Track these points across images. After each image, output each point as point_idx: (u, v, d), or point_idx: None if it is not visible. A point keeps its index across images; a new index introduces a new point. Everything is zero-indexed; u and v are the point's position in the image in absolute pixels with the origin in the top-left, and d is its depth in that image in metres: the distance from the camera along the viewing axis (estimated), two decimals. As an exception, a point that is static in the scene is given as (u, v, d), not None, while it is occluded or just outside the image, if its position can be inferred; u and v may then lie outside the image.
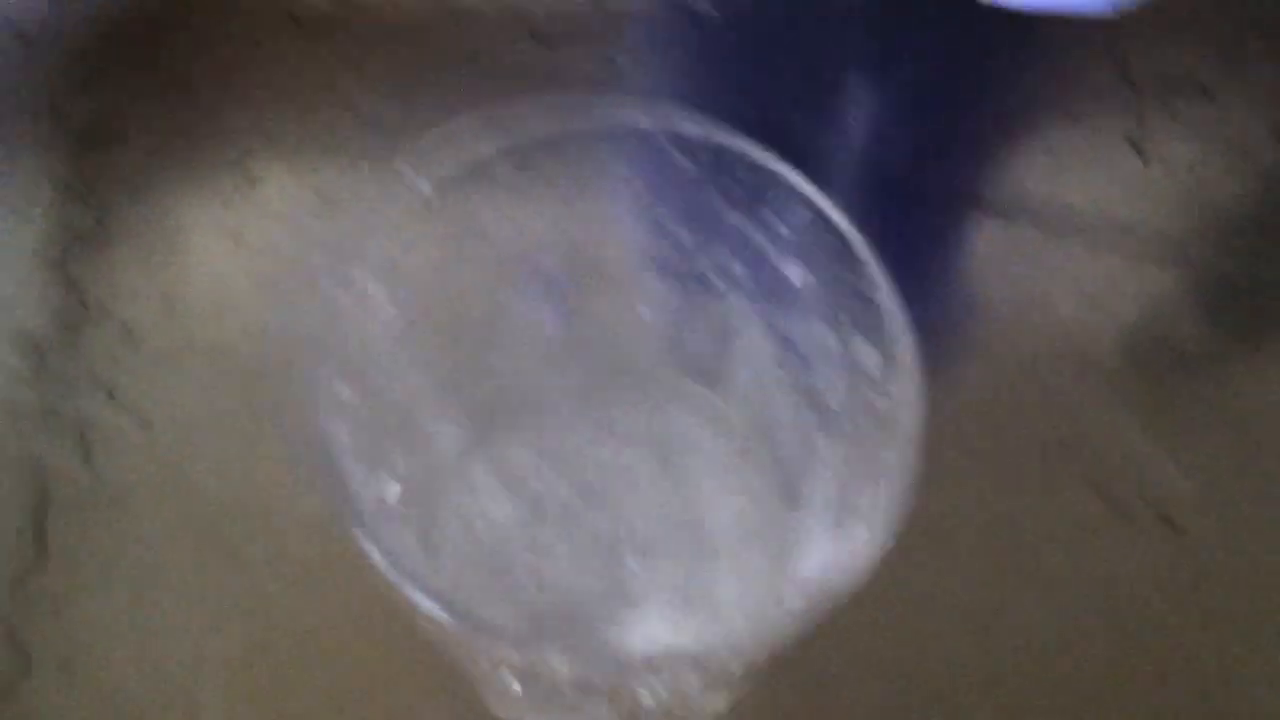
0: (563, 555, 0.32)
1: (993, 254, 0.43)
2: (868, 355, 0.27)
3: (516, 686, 0.28)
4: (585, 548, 0.32)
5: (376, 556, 0.23)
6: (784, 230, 0.28)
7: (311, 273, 0.31)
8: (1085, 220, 0.43)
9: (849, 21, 0.47)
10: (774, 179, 0.27)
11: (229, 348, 0.40)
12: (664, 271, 0.31)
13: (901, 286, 0.43)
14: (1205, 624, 0.36)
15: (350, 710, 0.35)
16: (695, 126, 0.27)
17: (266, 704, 0.35)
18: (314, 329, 0.25)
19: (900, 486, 0.25)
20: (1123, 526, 0.38)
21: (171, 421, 0.39)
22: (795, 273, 0.29)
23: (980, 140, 0.45)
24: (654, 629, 0.31)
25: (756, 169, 0.27)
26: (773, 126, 0.45)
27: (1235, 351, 0.41)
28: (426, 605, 0.23)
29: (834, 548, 0.27)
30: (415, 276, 0.28)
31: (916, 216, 0.43)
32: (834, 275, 0.27)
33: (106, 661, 0.35)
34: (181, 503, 0.37)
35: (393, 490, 0.29)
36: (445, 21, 0.46)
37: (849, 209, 0.43)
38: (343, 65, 0.45)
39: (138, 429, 0.39)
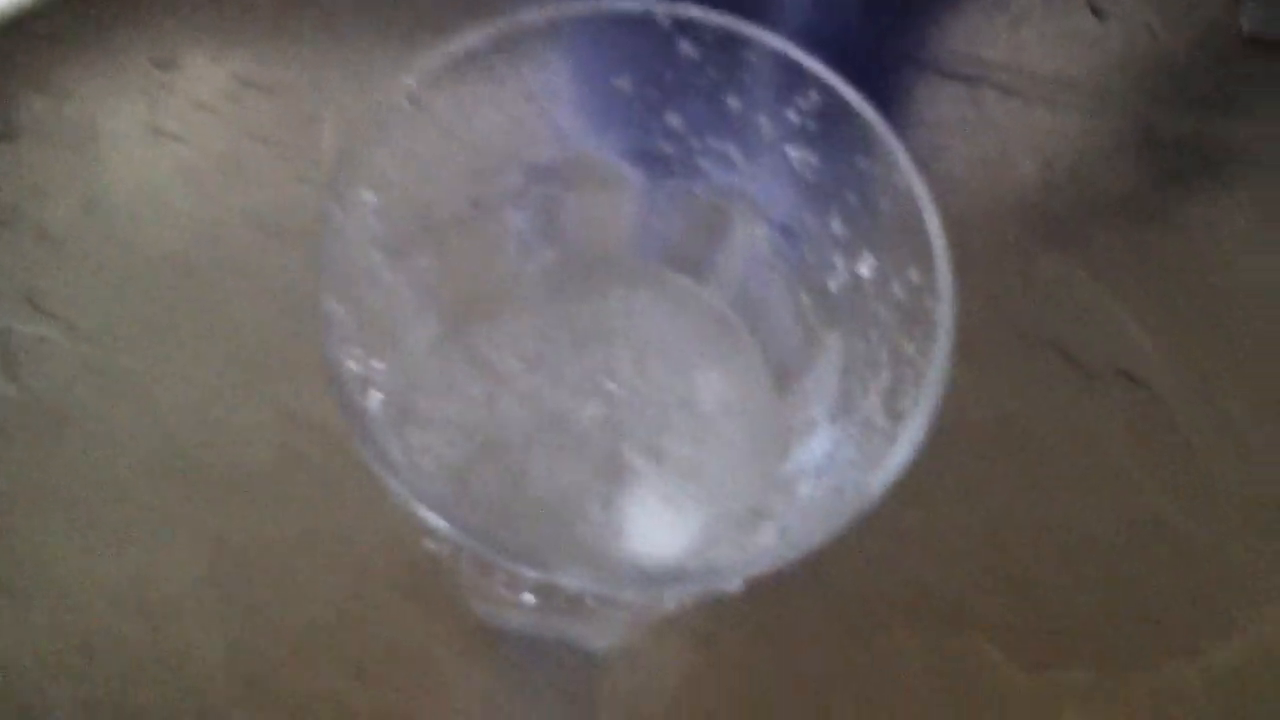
0: (545, 449, 0.31)
1: (950, 117, 0.42)
2: (885, 244, 0.26)
3: (530, 599, 0.27)
4: (568, 441, 0.31)
5: (392, 481, 0.21)
6: (792, 116, 0.26)
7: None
8: (1043, 80, 0.42)
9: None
10: (784, 62, 0.26)
11: (155, 244, 0.37)
12: (655, 162, 0.29)
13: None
14: (1170, 475, 0.37)
15: (319, 618, 0.33)
16: (700, 11, 0.26)
17: (232, 618, 0.33)
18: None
19: (934, 382, 0.24)
20: (1085, 383, 0.38)
21: (101, 328, 0.36)
22: (799, 158, 0.27)
23: (936, 2, 0.44)
24: (644, 525, 0.31)
25: (765, 53, 0.26)
26: None
27: (1192, 206, 0.41)
28: (449, 532, 0.22)
29: (828, 444, 0.27)
30: (399, 177, 0.26)
31: (872, 82, 0.42)
32: (847, 161, 0.26)
33: (51, 582, 0.33)
34: (120, 413, 0.35)
35: (376, 400, 0.28)
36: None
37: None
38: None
39: (65, 337, 0.36)
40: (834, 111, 0.26)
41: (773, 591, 0.36)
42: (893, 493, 0.36)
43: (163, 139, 0.38)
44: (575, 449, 0.31)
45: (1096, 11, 0.44)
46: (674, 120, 0.28)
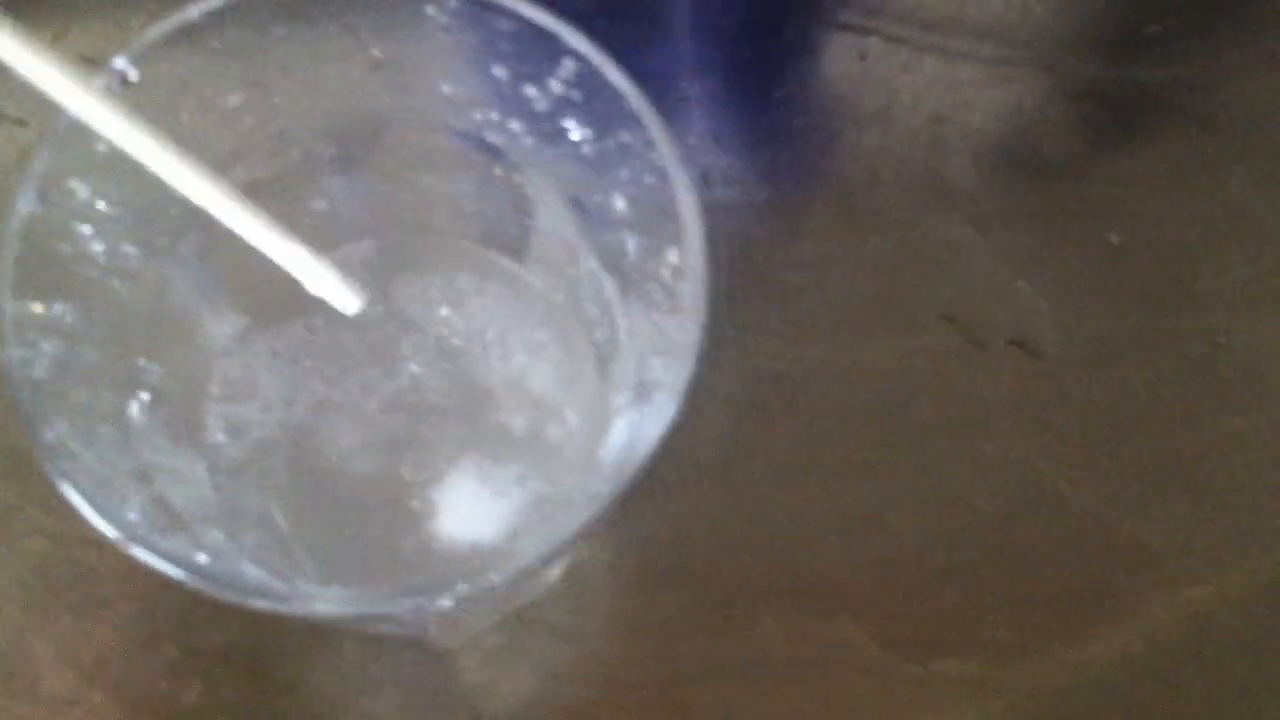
0: (355, 441, 0.30)
1: (835, 70, 0.40)
2: (654, 218, 0.24)
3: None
4: (381, 431, 0.30)
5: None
6: (555, 85, 0.25)
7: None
8: (935, 27, 0.40)
9: None
10: (536, 30, 0.24)
11: None
12: (437, 134, 0.28)
13: (743, 109, 0.40)
14: (1062, 450, 0.35)
15: (152, 611, 0.33)
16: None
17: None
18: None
19: (687, 361, 0.22)
20: (974, 353, 0.36)
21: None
22: (574, 130, 0.25)
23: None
24: (458, 516, 0.29)
25: (516, 19, 0.24)
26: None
27: (1095, 162, 0.38)
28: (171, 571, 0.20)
29: (633, 426, 0.25)
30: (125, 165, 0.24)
31: (760, 26, 0.39)
32: (612, 132, 0.24)
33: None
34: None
35: (141, 400, 0.26)
36: None
37: (686, 30, 0.40)
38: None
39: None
40: (594, 82, 0.24)
41: (635, 581, 0.34)
42: (764, 472, 0.35)
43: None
44: (387, 436, 0.30)
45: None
46: (446, 90, 0.27)
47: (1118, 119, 0.39)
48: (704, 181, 0.37)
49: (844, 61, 0.39)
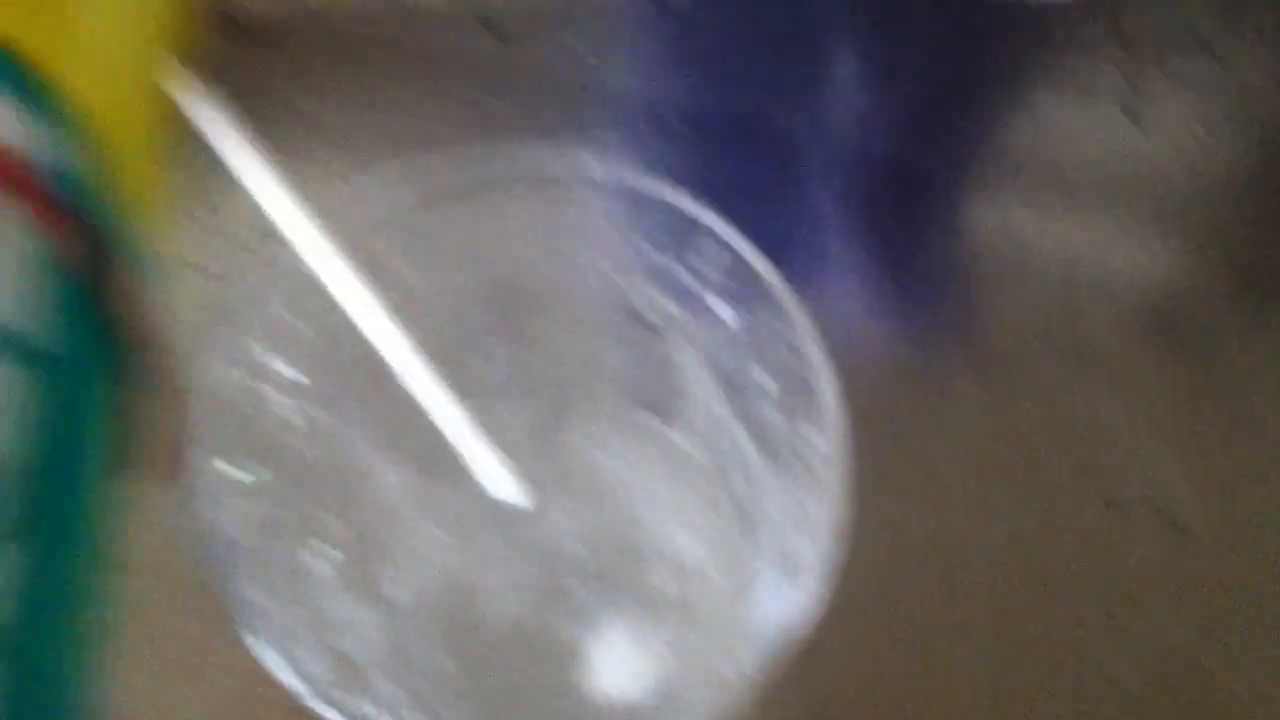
0: (513, 596, 0.31)
1: (985, 236, 0.41)
2: (798, 398, 0.25)
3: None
4: (537, 587, 0.31)
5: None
6: (710, 272, 0.26)
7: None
8: (1074, 188, 0.41)
9: (821, 2, 0.45)
10: (692, 222, 0.26)
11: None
12: (601, 308, 0.30)
13: (887, 275, 0.41)
14: (1206, 625, 0.35)
15: None
16: (608, 170, 0.26)
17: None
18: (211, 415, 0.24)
19: (827, 540, 0.23)
20: (1122, 527, 0.36)
21: None
22: (727, 313, 0.27)
23: (965, 112, 0.43)
24: (610, 674, 0.30)
25: (674, 211, 0.26)
26: (749, 115, 0.43)
27: (1239, 328, 0.39)
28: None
29: (779, 597, 0.26)
30: (306, 327, 0.27)
31: (902, 194, 0.41)
32: (758, 315, 0.26)
33: None
34: None
35: (334, 559, 0.28)
36: (400, 20, 0.45)
37: (832, 200, 0.42)
38: (289, 69, 0.44)
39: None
40: (743, 270, 0.25)
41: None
42: (910, 641, 0.35)
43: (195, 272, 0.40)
44: (543, 591, 0.31)
45: (1132, 116, 0.42)
46: (610, 272, 0.29)
47: (1263, 287, 0.39)
48: (847, 346, 0.38)
49: (988, 227, 0.41)
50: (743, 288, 0.26)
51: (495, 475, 0.26)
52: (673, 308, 0.28)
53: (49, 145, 0.11)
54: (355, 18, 0.45)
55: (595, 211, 0.27)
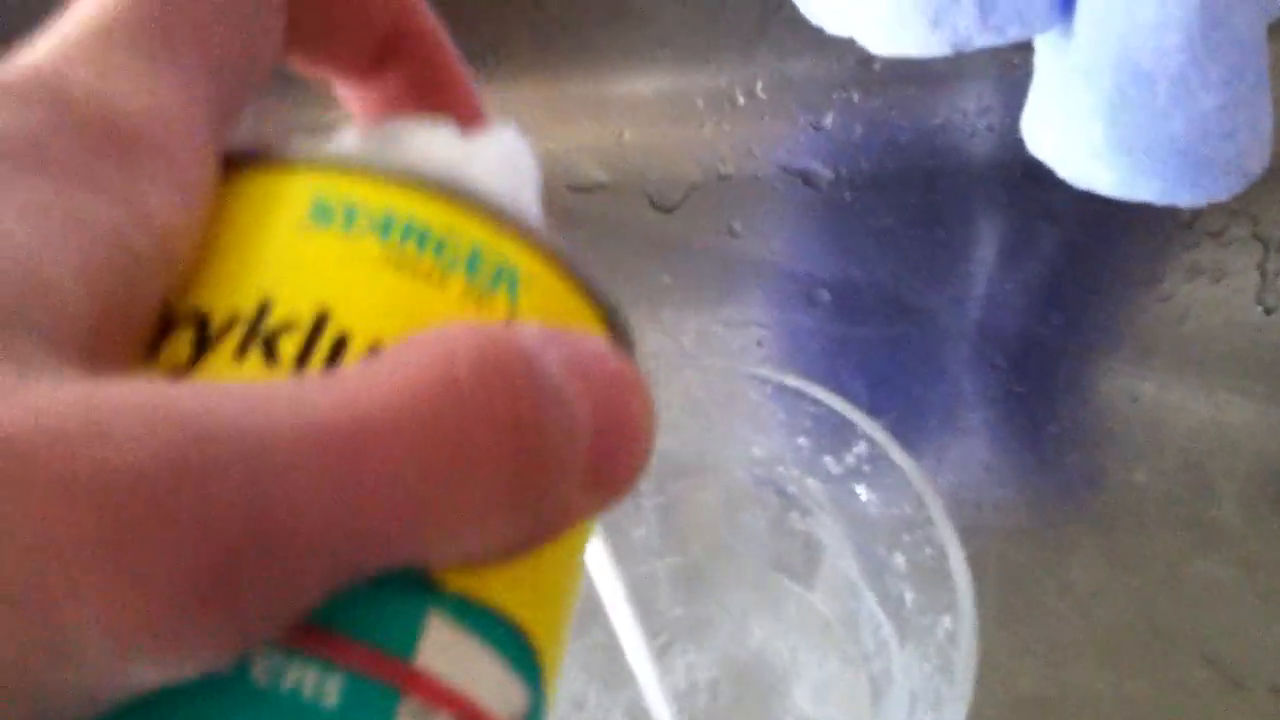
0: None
1: (1107, 406, 0.43)
2: (931, 581, 0.28)
3: None
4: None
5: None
6: (849, 458, 0.29)
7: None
8: (1206, 368, 0.42)
9: (963, 183, 0.48)
10: (837, 415, 0.28)
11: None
12: (748, 482, 0.32)
13: (1017, 441, 0.43)
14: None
15: None
16: (762, 371, 0.29)
17: None
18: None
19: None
20: (1238, 699, 0.37)
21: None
22: (863, 494, 0.30)
23: (1097, 290, 0.45)
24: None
25: (823, 406, 0.29)
26: (887, 288, 0.45)
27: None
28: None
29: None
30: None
31: (1032, 366, 0.43)
32: (896, 503, 0.28)
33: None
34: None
35: None
36: (566, 191, 0.49)
37: (965, 367, 0.44)
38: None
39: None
40: (883, 462, 0.28)
41: None
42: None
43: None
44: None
45: (1261, 301, 0.44)
46: (759, 452, 0.31)
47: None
48: (976, 507, 0.40)
49: (1116, 400, 0.42)
50: (889, 482, 0.28)
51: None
52: (816, 486, 0.31)
53: (525, 709, 0.12)
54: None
55: (750, 396, 0.30)
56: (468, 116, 0.17)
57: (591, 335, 0.13)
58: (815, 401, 0.29)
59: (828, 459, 0.30)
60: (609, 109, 0.49)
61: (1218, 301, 0.44)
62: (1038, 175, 0.38)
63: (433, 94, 0.17)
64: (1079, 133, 0.34)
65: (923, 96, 0.48)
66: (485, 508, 0.11)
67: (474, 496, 0.11)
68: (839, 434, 0.29)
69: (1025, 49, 0.37)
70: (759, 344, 0.44)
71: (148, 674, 0.10)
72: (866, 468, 0.29)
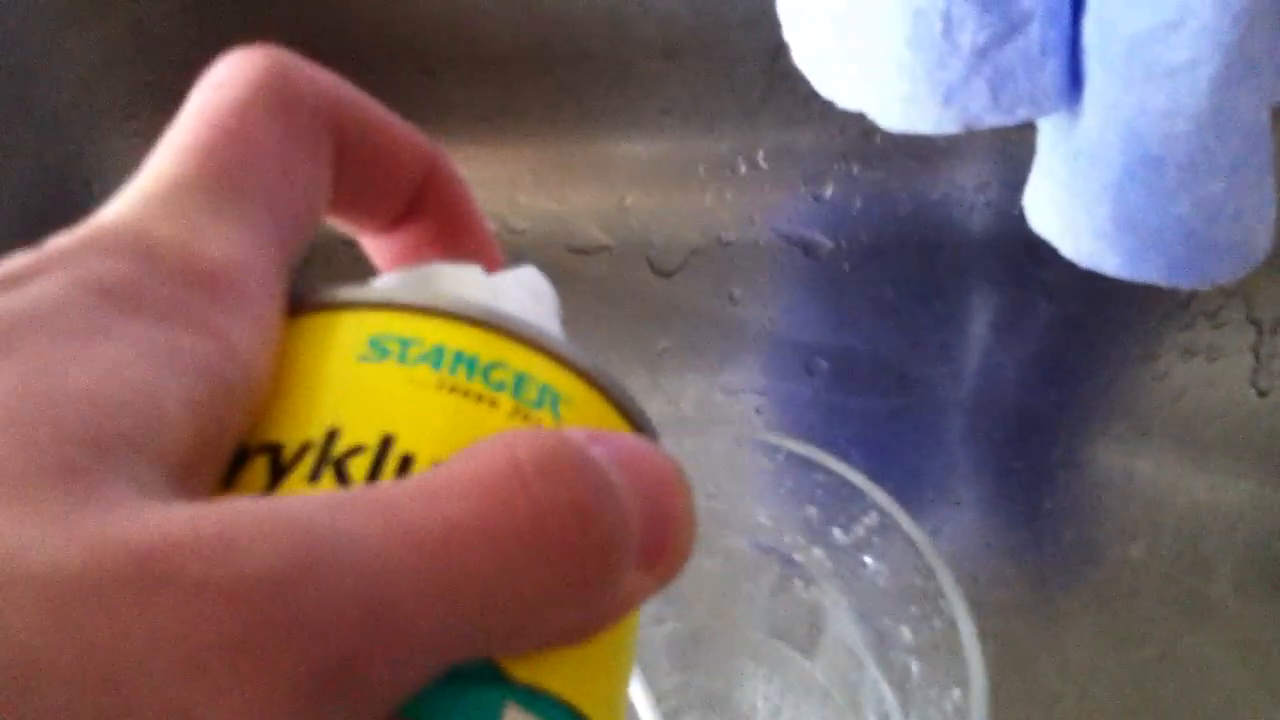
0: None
1: (1110, 486, 0.43)
2: (938, 654, 0.28)
3: None
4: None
5: None
6: (857, 529, 0.29)
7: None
8: (1201, 445, 0.43)
9: (961, 257, 0.48)
10: (847, 484, 0.28)
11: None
12: (752, 550, 0.32)
13: (1014, 517, 0.43)
14: None
15: None
16: (767, 437, 0.29)
17: None
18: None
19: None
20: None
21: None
22: (871, 564, 0.30)
23: (1093, 366, 0.46)
24: None
25: (830, 474, 0.29)
26: (885, 359, 0.46)
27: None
28: None
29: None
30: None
31: (1030, 440, 0.43)
32: (905, 574, 0.28)
33: None
34: None
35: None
36: (567, 255, 0.49)
37: (962, 440, 0.44)
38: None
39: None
40: (893, 532, 0.28)
41: None
42: None
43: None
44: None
45: (1255, 382, 0.44)
46: (765, 520, 0.31)
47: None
48: (973, 582, 0.40)
49: (1112, 477, 0.43)
50: (898, 552, 0.28)
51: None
52: (821, 555, 0.31)
53: None
54: (533, 246, 0.49)
55: (754, 464, 0.30)
56: (489, 259, 0.18)
57: (632, 435, 0.15)
58: (826, 470, 0.29)
59: (835, 529, 0.30)
60: (612, 173, 0.49)
61: (1212, 382, 0.44)
62: (1035, 251, 0.38)
63: (455, 240, 0.18)
64: (1084, 213, 0.35)
65: (922, 171, 0.49)
66: (558, 594, 0.12)
67: (548, 584, 0.12)
68: (848, 503, 0.29)
69: (1023, 126, 0.38)
70: (757, 411, 0.45)
71: None
72: (875, 538, 0.29)
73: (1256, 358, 0.45)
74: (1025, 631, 0.40)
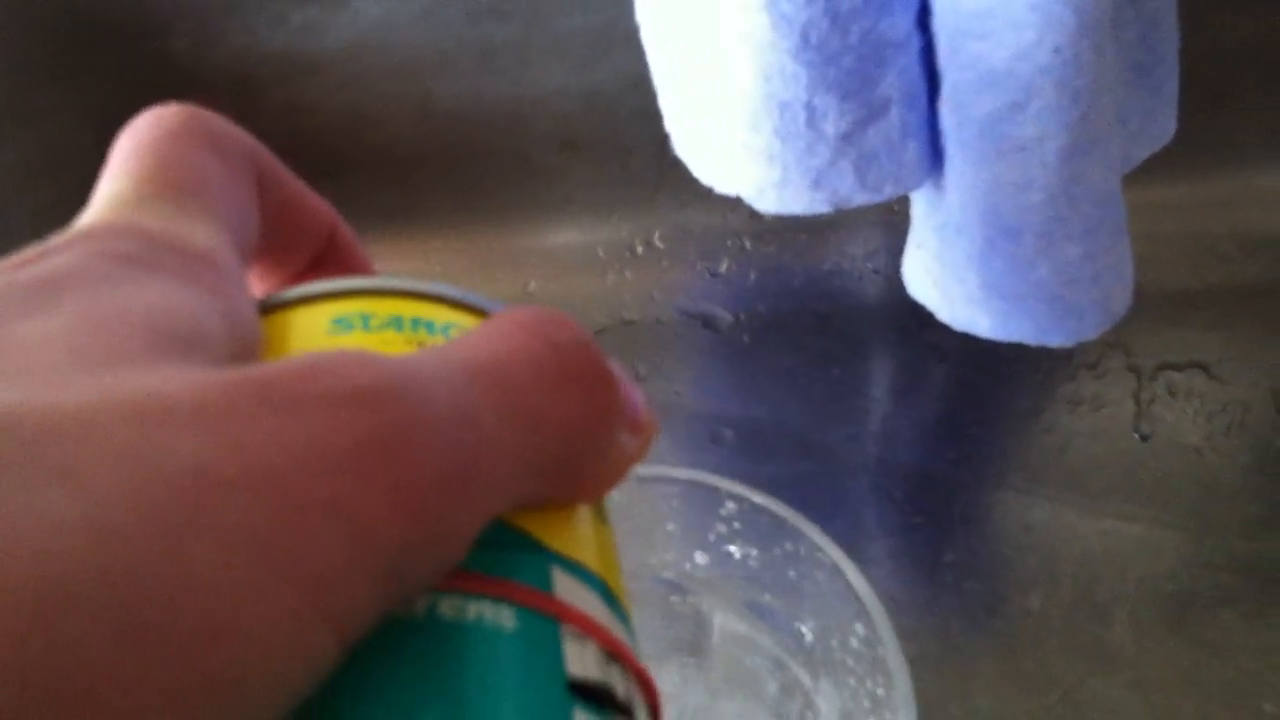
0: None
1: (1008, 537, 0.44)
2: (830, 603, 0.30)
3: None
4: None
5: None
6: (719, 525, 0.31)
7: None
8: (1091, 495, 0.45)
9: (854, 324, 0.50)
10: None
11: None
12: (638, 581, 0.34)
13: (916, 571, 0.45)
14: None
15: None
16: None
17: None
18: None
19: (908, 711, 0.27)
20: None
21: None
22: (738, 551, 0.31)
23: (994, 428, 0.48)
24: None
25: (677, 482, 0.31)
26: (788, 426, 0.47)
27: (1244, 631, 0.42)
28: None
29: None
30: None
31: (929, 497, 0.45)
32: (775, 544, 0.30)
33: None
34: None
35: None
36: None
37: (865, 500, 0.46)
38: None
39: None
40: (753, 512, 0.30)
41: None
42: None
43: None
44: None
45: (1138, 428, 0.46)
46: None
47: (1261, 591, 0.42)
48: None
49: (1009, 529, 0.44)
50: (762, 529, 0.30)
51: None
52: (699, 567, 0.33)
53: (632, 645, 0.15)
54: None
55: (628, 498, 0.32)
56: None
57: None
58: (671, 480, 0.31)
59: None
60: (517, 261, 0.51)
61: (1097, 431, 0.46)
62: (924, 316, 0.40)
63: None
64: (956, 281, 0.37)
65: (812, 243, 0.51)
66: (585, 421, 0.14)
67: (580, 407, 0.14)
68: (704, 505, 0.31)
69: (904, 198, 0.40)
70: (667, 484, 0.46)
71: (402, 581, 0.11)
72: (737, 524, 0.31)
73: (1138, 403, 0.47)
74: (933, 681, 0.41)
